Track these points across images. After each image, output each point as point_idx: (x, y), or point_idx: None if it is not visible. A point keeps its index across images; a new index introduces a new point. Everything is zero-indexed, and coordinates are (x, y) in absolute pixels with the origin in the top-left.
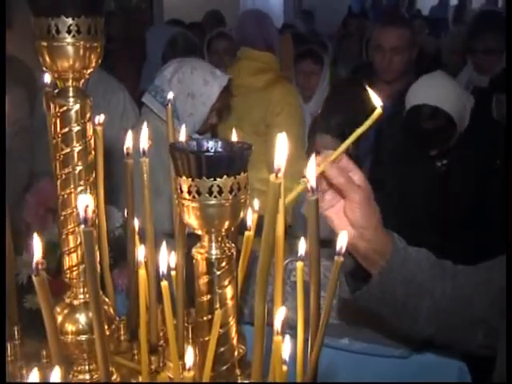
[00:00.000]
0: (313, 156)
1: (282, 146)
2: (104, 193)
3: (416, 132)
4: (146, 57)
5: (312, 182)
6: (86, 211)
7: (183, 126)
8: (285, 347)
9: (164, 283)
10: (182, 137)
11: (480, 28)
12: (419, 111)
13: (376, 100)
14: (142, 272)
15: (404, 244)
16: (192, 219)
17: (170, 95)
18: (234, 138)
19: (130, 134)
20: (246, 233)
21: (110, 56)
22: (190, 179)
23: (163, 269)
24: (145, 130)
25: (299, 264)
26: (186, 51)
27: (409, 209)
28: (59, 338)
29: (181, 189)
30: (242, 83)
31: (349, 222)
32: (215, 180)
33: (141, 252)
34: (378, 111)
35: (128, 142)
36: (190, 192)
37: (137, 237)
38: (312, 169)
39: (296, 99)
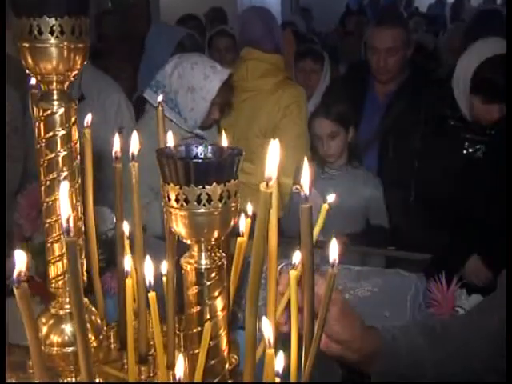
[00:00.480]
0: (306, 163)
1: (273, 155)
2: (95, 195)
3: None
4: (145, 58)
5: (306, 189)
6: (68, 221)
7: (170, 133)
8: (277, 360)
9: (151, 294)
10: (171, 142)
11: (479, 28)
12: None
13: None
14: (128, 282)
15: (392, 333)
16: (180, 228)
17: (160, 97)
18: (224, 142)
19: (117, 138)
20: (239, 239)
21: (106, 55)
22: (177, 187)
23: (150, 279)
24: (135, 136)
25: (292, 273)
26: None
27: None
28: (41, 351)
29: (168, 197)
30: (251, 86)
31: (331, 339)
32: (204, 188)
33: (127, 261)
34: (325, 207)
35: (116, 146)
36: (177, 200)
37: (127, 242)
38: (306, 177)
39: (305, 100)
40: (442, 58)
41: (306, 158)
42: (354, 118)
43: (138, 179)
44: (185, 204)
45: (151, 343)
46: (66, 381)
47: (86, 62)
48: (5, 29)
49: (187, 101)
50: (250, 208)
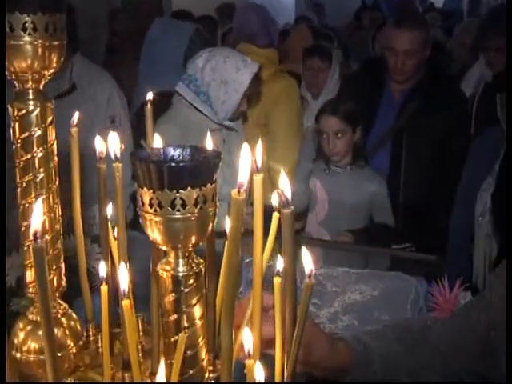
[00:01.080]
0: (282, 171)
1: (245, 160)
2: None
3: None
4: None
5: (287, 194)
6: (35, 235)
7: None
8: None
9: (125, 302)
10: (158, 143)
11: (492, 24)
12: None
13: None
14: (104, 288)
15: (363, 341)
16: (155, 234)
17: (150, 95)
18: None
19: (99, 139)
20: (227, 242)
21: (118, 51)
22: (151, 191)
23: (124, 287)
24: (114, 136)
25: (276, 280)
26: (201, 47)
27: None
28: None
29: (142, 201)
30: None
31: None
32: (178, 192)
33: (102, 268)
34: (276, 215)
35: (99, 147)
36: (151, 205)
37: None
38: (285, 181)
39: (296, 92)
40: (454, 54)
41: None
42: (362, 119)
43: (122, 180)
44: (158, 209)
45: (139, 347)
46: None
47: (77, 54)
48: (5, 28)
49: (219, 94)
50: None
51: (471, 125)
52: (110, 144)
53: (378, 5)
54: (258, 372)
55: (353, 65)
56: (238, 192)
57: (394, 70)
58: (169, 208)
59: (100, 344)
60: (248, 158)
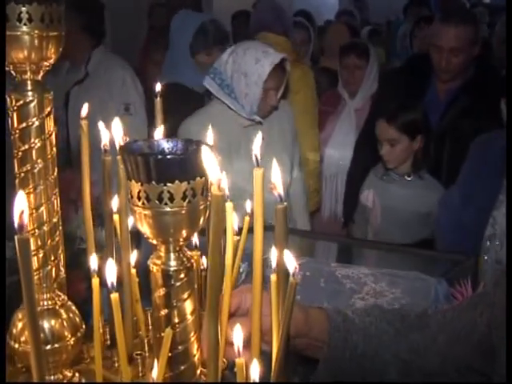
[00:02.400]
0: (275, 165)
1: (208, 158)
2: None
3: None
4: (170, 45)
5: (279, 189)
6: (21, 217)
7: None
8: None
9: (114, 295)
10: (159, 135)
11: None
12: None
13: None
14: (95, 281)
15: (344, 315)
16: (145, 228)
17: (158, 87)
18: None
19: (104, 130)
20: (235, 237)
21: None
22: (139, 184)
23: (112, 280)
24: (118, 127)
25: (273, 277)
26: (216, 39)
27: None
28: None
29: (131, 194)
30: None
31: None
32: (165, 185)
33: (93, 261)
34: (247, 219)
35: (105, 139)
36: (139, 198)
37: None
38: (277, 175)
39: (312, 80)
40: (493, 49)
41: (274, 160)
42: (425, 126)
43: None
44: (146, 202)
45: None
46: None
47: (100, 47)
48: (5, 28)
49: (241, 86)
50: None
51: None
52: (115, 135)
53: (425, 0)
54: (255, 370)
55: (396, 63)
56: (218, 188)
57: (438, 68)
58: (156, 201)
59: (108, 337)
60: (211, 155)
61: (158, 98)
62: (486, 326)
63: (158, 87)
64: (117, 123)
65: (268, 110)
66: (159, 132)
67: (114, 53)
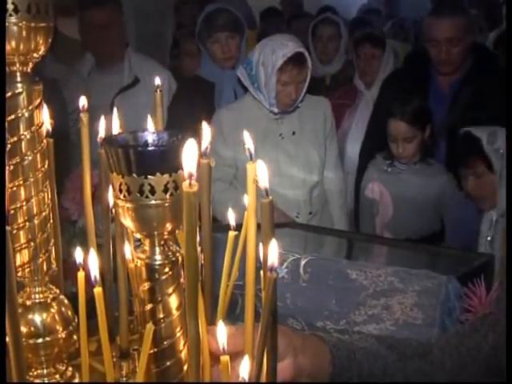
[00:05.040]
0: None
1: (189, 149)
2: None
3: None
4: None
5: (264, 183)
6: None
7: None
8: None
9: (97, 289)
10: (150, 127)
11: None
12: None
13: None
14: (80, 275)
15: (336, 337)
16: (128, 221)
17: (157, 80)
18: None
19: (102, 122)
20: (231, 233)
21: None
22: (120, 176)
23: (95, 273)
24: (116, 123)
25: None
26: (222, 27)
27: None
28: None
29: (113, 187)
30: None
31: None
32: (146, 178)
33: (78, 254)
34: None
35: (100, 131)
36: (120, 190)
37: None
38: (263, 169)
39: None
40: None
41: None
42: (430, 115)
43: None
44: (127, 194)
45: (133, 337)
46: (35, 373)
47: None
48: (5, 28)
49: (262, 76)
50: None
51: None
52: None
53: None
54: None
55: None
56: (189, 184)
57: (438, 61)
58: (137, 194)
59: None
60: (193, 147)
61: (158, 92)
62: (492, 347)
63: (158, 81)
64: (115, 117)
65: (288, 103)
66: (153, 124)
67: (141, 52)
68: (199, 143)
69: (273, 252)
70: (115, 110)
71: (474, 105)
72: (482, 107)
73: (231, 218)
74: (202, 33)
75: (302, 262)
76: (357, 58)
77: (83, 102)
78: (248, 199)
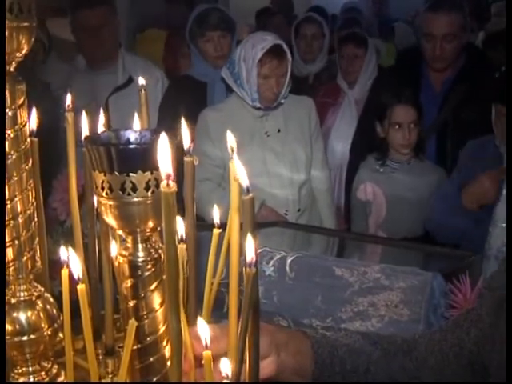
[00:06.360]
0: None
1: (163, 148)
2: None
3: None
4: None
5: (243, 181)
6: None
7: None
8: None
9: (80, 287)
10: (136, 126)
11: None
12: None
13: None
14: (64, 272)
15: (321, 333)
16: (110, 219)
17: (141, 80)
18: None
19: (85, 119)
20: (215, 230)
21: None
22: (102, 174)
23: (78, 272)
24: (102, 119)
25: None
26: (214, 26)
27: None
28: None
29: (96, 184)
30: None
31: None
32: (128, 175)
33: (63, 252)
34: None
35: (84, 130)
36: (103, 188)
37: None
38: (240, 167)
39: None
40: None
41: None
42: (422, 107)
43: None
44: (109, 192)
45: (119, 335)
46: (20, 371)
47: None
48: (5, 28)
49: (243, 72)
50: None
51: None
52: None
53: None
54: (225, 365)
55: None
56: (167, 185)
57: (432, 57)
58: (119, 191)
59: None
60: (166, 146)
61: (143, 91)
62: (474, 343)
63: (141, 80)
64: (101, 116)
65: (270, 98)
66: (139, 123)
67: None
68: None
69: (250, 248)
70: (101, 109)
71: (465, 103)
72: (473, 106)
73: (215, 215)
74: (194, 32)
75: (289, 260)
76: (340, 57)
77: (69, 101)
78: (231, 196)
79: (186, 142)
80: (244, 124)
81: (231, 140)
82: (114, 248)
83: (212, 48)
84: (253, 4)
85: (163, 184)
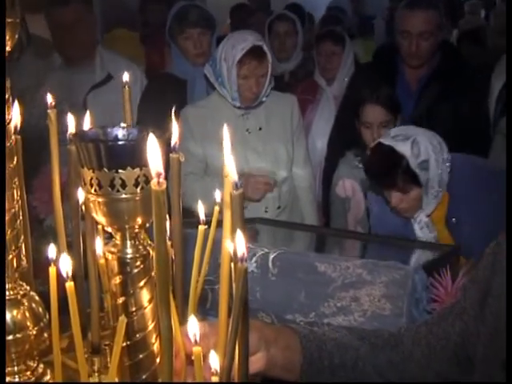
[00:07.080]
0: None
1: (153, 146)
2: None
3: None
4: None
5: (233, 176)
6: None
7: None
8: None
9: (69, 284)
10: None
11: None
12: None
13: None
14: (52, 270)
15: (309, 329)
16: (99, 215)
17: (126, 76)
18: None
19: (71, 118)
20: (200, 227)
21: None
22: (91, 171)
23: (67, 269)
24: (87, 118)
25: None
26: (194, 23)
27: None
28: None
29: (84, 181)
30: None
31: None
32: (117, 172)
33: (51, 250)
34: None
35: (71, 128)
36: (91, 185)
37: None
38: (231, 163)
39: None
40: (489, 41)
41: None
42: (400, 104)
43: None
44: (98, 189)
45: (105, 333)
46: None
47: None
48: (5, 29)
49: (224, 71)
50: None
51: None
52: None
53: None
54: (213, 360)
55: None
56: (158, 183)
57: (408, 54)
58: (108, 188)
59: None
60: (155, 145)
61: (126, 88)
62: (460, 335)
63: (126, 77)
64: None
65: (250, 98)
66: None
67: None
68: (169, 139)
69: (240, 243)
70: (88, 106)
71: (441, 100)
72: (448, 103)
73: (201, 211)
74: (173, 29)
75: (271, 256)
76: (317, 54)
77: (50, 99)
78: (224, 193)
79: (174, 139)
80: (225, 121)
81: (226, 137)
82: (100, 245)
83: (192, 45)
84: (230, 1)
85: (154, 182)
